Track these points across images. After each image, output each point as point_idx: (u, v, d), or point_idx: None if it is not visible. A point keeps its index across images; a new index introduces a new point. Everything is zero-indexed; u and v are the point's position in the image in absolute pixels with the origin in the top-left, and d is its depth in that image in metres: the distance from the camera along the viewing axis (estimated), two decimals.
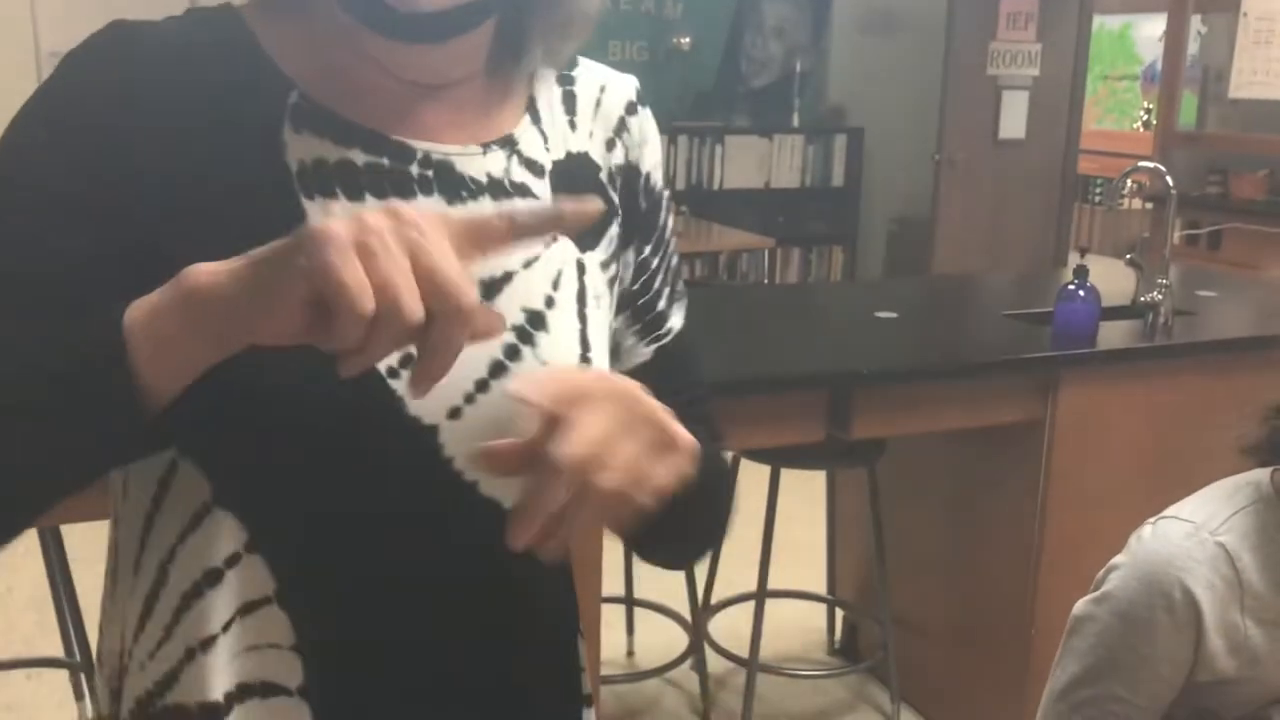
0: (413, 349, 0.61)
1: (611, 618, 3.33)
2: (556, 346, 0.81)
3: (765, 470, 2.76)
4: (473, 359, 0.77)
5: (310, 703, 0.77)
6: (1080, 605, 1.23)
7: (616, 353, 0.92)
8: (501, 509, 0.76)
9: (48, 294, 0.69)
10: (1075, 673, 1.21)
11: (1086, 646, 1.21)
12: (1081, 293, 2.62)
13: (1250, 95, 5.47)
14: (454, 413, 0.77)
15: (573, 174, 0.87)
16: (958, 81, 6.55)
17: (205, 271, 0.61)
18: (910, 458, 2.92)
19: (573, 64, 0.90)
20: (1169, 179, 2.86)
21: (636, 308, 0.92)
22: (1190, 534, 1.17)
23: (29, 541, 3.21)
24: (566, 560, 0.89)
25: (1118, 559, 1.21)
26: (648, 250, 0.92)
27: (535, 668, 0.87)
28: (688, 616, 3.11)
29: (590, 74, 0.91)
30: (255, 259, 0.60)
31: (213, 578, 0.76)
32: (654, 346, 0.93)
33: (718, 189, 6.41)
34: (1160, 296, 2.72)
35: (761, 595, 2.82)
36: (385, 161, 0.78)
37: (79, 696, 3.02)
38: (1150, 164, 3.25)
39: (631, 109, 0.91)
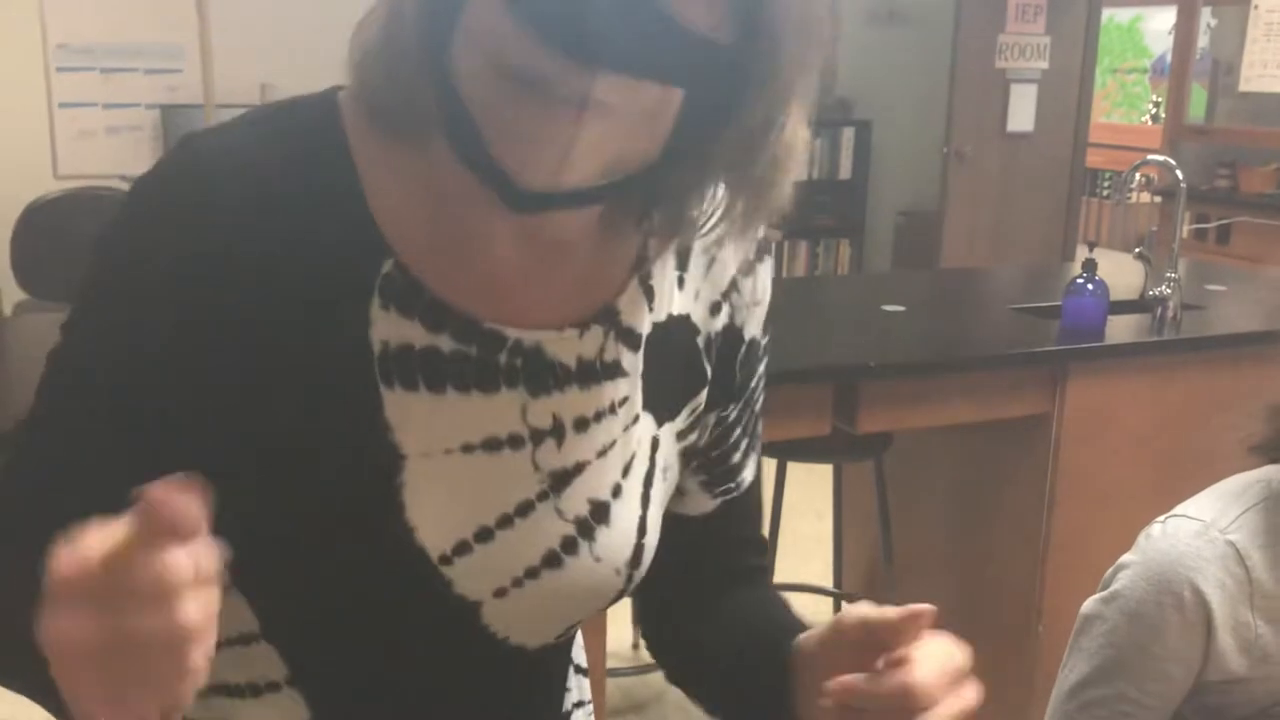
0: (469, 536, 0.68)
1: (616, 611, 3.33)
2: (613, 541, 0.79)
3: (772, 464, 2.76)
4: (527, 549, 0.76)
5: None
6: (1089, 604, 1.22)
7: (679, 497, 0.87)
8: (525, 650, 0.80)
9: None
10: (1084, 672, 1.20)
11: (1095, 646, 1.20)
12: (1090, 286, 2.61)
13: (1260, 88, 5.45)
14: (500, 592, 0.77)
15: (668, 342, 0.81)
16: (966, 74, 6.53)
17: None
18: (917, 451, 2.91)
19: None
20: (1178, 172, 2.85)
21: (709, 459, 0.87)
22: (1200, 532, 1.16)
23: None
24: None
25: (1126, 557, 1.20)
26: (732, 409, 0.87)
27: None
28: None
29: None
30: None
31: (250, 691, 0.78)
32: (721, 500, 0.88)
33: None
34: (1169, 290, 2.71)
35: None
36: (473, 351, 0.73)
37: None
38: (1160, 157, 3.23)
39: (748, 268, 0.83)
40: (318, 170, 0.71)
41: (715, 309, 0.83)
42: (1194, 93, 6.03)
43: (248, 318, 0.69)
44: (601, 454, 0.78)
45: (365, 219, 0.72)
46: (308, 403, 0.71)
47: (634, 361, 0.79)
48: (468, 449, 0.74)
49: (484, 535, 0.75)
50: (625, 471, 0.80)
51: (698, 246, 0.82)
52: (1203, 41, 6.12)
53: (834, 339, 2.77)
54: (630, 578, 0.81)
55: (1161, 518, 1.22)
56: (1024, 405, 2.55)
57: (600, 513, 0.78)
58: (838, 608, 3.41)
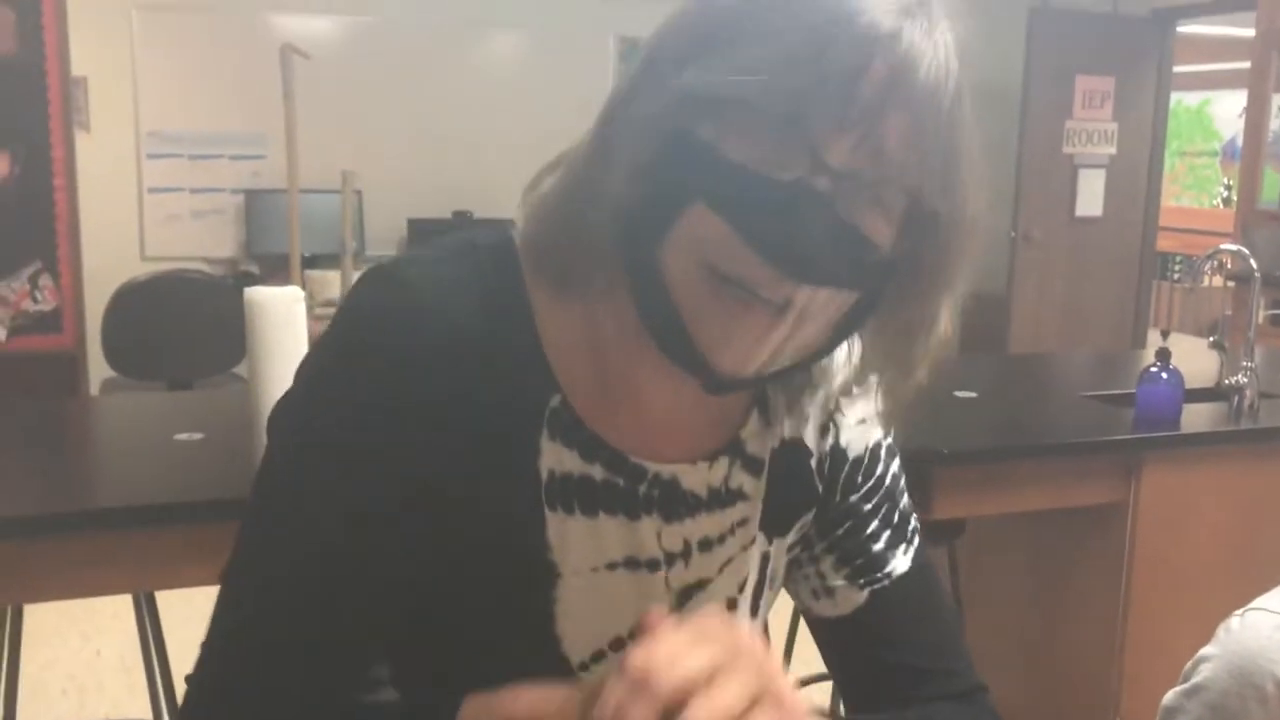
0: (605, 646, 0.78)
1: None
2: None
3: None
4: None
5: None
6: (1170, 697, 1.23)
7: (829, 600, 0.91)
8: None
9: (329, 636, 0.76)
10: None
11: None
12: (1164, 375, 2.61)
13: None
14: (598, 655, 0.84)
15: (787, 466, 0.88)
16: (1033, 160, 6.57)
17: None
18: (992, 537, 2.90)
19: None
20: (1252, 261, 2.85)
21: (845, 551, 0.90)
22: (1276, 629, 1.17)
23: (119, 604, 3.30)
24: None
25: (1207, 650, 1.21)
26: (853, 498, 0.91)
27: None
28: None
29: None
30: None
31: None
32: (869, 591, 0.90)
33: None
34: (1245, 379, 2.70)
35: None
36: (620, 482, 0.81)
37: None
38: (1233, 246, 3.23)
39: (847, 389, 0.88)
40: (502, 315, 0.78)
41: (825, 430, 0.90)
42: (1266, 176, 6.00)
43: (436, 448, 0.76)
44: (722, 570, 0.86)
45: (540, 358, 0.79)
46: (483, 520, 0.78)
47: (755, 486, 0.87)
48: (611, 567, 0.82)
49: (618, 645, 0.83)
50: (741, 587, 0.87)
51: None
52: (1275, 124, 6.10)
53: (907, 424, 2.78)
54: None
55: (1240, 610, 1.23)
56: (1099, 493, 2.55)
57: (731, 603, 0.86)
58: None
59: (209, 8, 6.05)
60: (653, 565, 0.83)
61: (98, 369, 5.11)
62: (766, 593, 0.90)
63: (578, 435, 0.80)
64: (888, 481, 0.93)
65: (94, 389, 5.03)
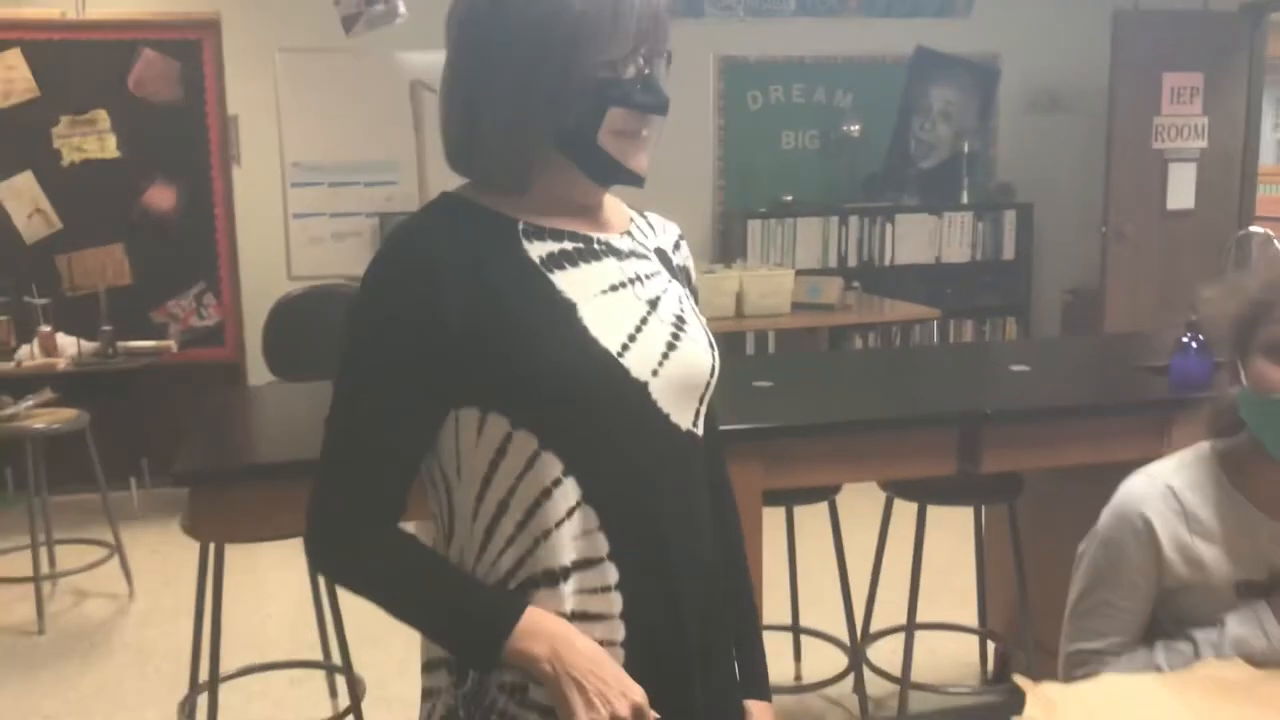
0: (625, 339, 1.25)
1: (777, 647, 3.71)
2: (695, 333, 1.35)
3: (912, 507, 3.13)
4: (656, 340, 1.29)
5: (615, 563, 1.27)
6: (1080, 545, 1.61)
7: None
8: (681, 430, 1.32)
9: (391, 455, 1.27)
10: (1079, 591, 1.58)
11: (1083, 572, 1.58)
12: (1194, 345, 2.92)
13: None
14: (655, 372, 1.28)
15: (664, 257, 1.43)
16: (1123, 156, 6.76)
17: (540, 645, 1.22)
18: (1048, 494, 3.23)
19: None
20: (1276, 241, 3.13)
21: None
22: (1148, 481, 1.55)
23: (288, 550, 3.84)
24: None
25: (1105, 509, 1.59)
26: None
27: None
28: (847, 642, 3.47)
29: (653, 216, 1.48)
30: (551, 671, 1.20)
31: (545, 494, 1.26)
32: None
33: (888, 265, 6.78)
34: None
35: (911, 626, 3.18)
36: (581, 245, 1.32)
37: (333, 694, 3.59)
38: (1259, 230, 3.50)
39: (678, 244, 1.47)
40: (466, 210, 1.31)
41: (676, 248, 1.47)
42: None
43: (467, 284, 1.24)
44: (665, 293, 1.35)
45: (502, 216, 1.31)
46: (517, 301, 1.25)
47: (652, 259, 1.39)
48: (603, 292, 1.29)
49: (633, 336, 1.28)
50: (680, 303, 1.37)
51: (654, 220, 1.47)
52: None
53: (961, 390, 3.14)
54: (713, 355, 1.36)
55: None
56: (1133, 450, 2.85)
57: (680, 319, 1.34)
58: (983, 645, 3.72)
59: (345, 49, 6.63)
60: (628, 284, 1.32)
61: (255, 375, 5.69)
62: (695, 310, 1.41)
63: (542, 232, 1.30)
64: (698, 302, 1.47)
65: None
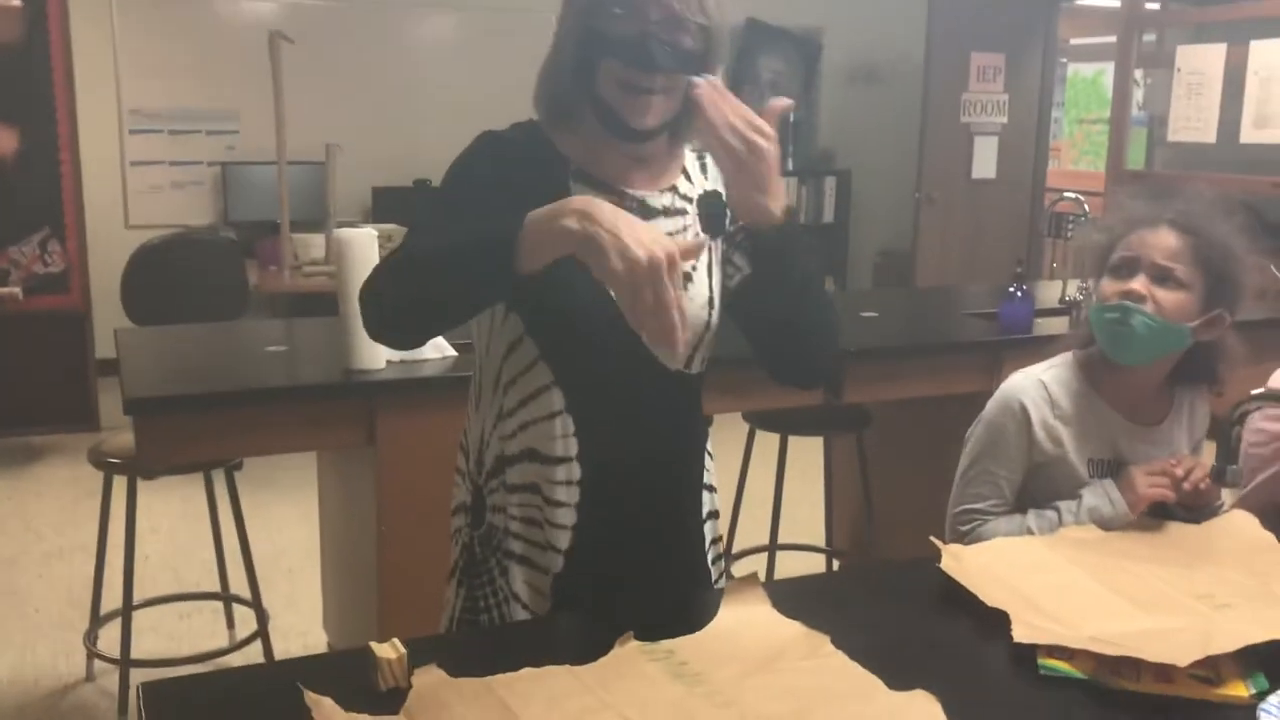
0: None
1: None
2: (700, 290, 1.56)
3: (774, 438, 3.51)
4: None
5: (580, 464, 1.55)
6: (969, 429, 1.99)
7: (735, 268, 1.62)
8: (669, 372, 1.55)
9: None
10: (967, 462, 1.96)
11: (970, 448, 1.96)
12: (1019, 294, 3.38)
13: (1186, 139, 6.26)
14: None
15: (708, 202, 1.61)
16: (935, 128, 7.35)
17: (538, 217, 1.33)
18: (892, 427, 3.66)
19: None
20: (1085, 205, 3.63)
21: (736, 241, 1.64)
22: (1023, 377, 1.95)
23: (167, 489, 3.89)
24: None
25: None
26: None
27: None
28: None
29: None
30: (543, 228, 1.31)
31: (540, 390, 1.53)
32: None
33: None
34: (1080, 296, 3.48)
35: (773, 546, 3.56)
36: (617, 200, 1.47)
37: (230, 625, 3.73)
38: (1072, 194, 4.01)
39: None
40: (535, 136, 1.56)
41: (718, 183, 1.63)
42: (1137, 141, 6.82)
43: (519, 182, 1.47)
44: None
45: (560, 154, 1.54)
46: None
47: (690, 209, 1.58)
48: None
49: None
50: (694, 267, 1.55)
51: (708, 161, 1.62)
52: (1138, 95, 6.94)
53: None
54: (708, 313, 1.56)
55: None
56: (969, 384, 3.31)
57: (686, 276, 1.52)
58: (829, 564, 4.14)
59: None
60: None
61: (102, 324, 5.62)
62: (716, 270, 1.60)
63: (590, 180, 1.52)
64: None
65: (99, 344, 5.55)
